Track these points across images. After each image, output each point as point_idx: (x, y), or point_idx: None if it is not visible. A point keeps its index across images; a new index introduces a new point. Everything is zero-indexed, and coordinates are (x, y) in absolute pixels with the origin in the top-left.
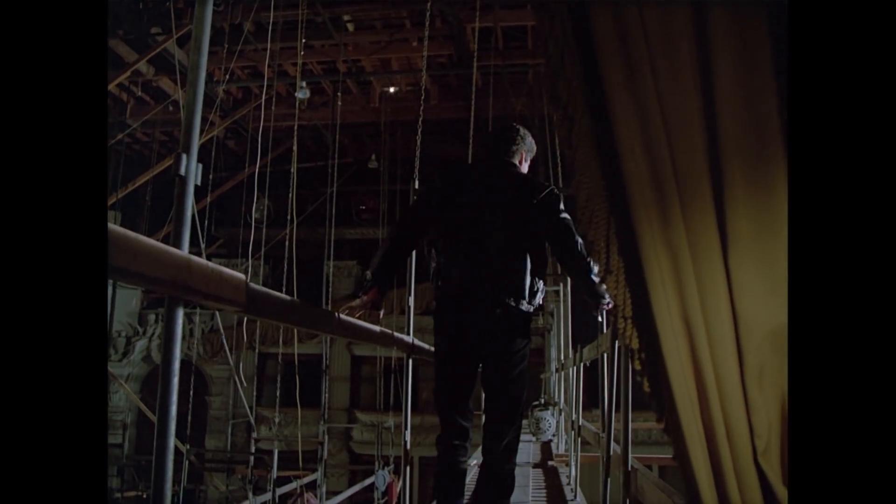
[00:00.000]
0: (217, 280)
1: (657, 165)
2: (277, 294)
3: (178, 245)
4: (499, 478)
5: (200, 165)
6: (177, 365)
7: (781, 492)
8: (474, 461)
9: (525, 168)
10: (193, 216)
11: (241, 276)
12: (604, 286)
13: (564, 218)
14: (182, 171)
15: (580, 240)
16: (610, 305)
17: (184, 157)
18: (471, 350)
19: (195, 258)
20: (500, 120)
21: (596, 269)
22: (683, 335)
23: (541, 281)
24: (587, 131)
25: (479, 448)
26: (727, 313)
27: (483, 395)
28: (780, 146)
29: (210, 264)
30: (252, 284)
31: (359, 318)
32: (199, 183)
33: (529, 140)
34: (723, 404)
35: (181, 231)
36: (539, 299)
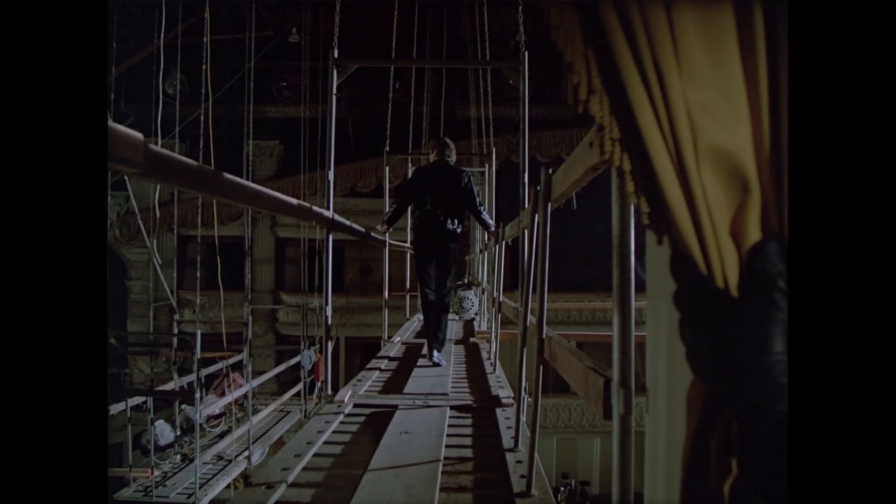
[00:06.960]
0: (109, 135)
1: None
2: (181, 157)
3: None
4: (443, 302)
5: None
6: None
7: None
8: (398, 338)
9: (454, 160)
10: None
11: (139, 134)
12: (491, 221)
13: (471, 188)
14: None
15: (478, 198)
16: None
17: None
18: (430, 250)
19: None
20: None
21: (486, 213)
22: (672, 151)
23: (463, 217)
24: None
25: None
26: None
27: (434, 272)
28: None
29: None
30: (153, 146)
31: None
32: None
33: (453, 147)
34: (712, 216)
35: None
36: (462, 226)
